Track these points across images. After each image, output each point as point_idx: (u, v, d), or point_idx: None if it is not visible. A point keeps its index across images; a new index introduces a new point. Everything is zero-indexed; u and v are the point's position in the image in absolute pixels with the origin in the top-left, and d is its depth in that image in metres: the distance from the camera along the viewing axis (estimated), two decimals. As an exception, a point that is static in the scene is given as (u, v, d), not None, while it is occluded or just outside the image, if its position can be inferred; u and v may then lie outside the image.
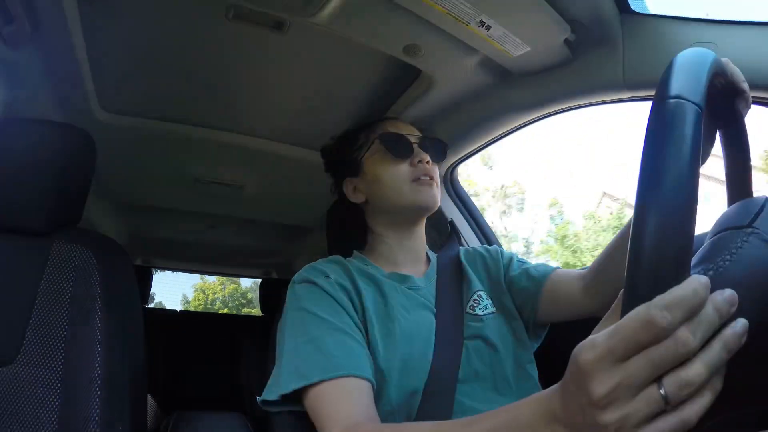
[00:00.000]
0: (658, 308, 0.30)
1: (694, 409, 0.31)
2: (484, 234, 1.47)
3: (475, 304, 0.82)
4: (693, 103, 0.35)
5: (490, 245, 1.45)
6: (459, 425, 0.50)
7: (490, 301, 0.85)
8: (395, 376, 0.70)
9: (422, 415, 0.69)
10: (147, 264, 2.89)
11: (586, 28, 0.86)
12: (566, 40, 0.89)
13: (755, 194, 0.56)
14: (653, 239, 0.32)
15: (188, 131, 1.28)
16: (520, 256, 0.94)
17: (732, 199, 0.56)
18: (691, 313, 0.31)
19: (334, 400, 0.63)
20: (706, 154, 0.57)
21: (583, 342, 0.34)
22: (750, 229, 0.40)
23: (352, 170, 0.90)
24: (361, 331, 0.73)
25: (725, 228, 0.43)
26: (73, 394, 0.80)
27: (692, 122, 0.34)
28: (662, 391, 0.30)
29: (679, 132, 0.34)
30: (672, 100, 0.35)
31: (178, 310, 3.42)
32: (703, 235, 0.53)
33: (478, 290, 0.85)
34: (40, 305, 0.84)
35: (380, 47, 0.93)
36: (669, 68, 0.38)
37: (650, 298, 0.31)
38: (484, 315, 0.81)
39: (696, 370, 0.30)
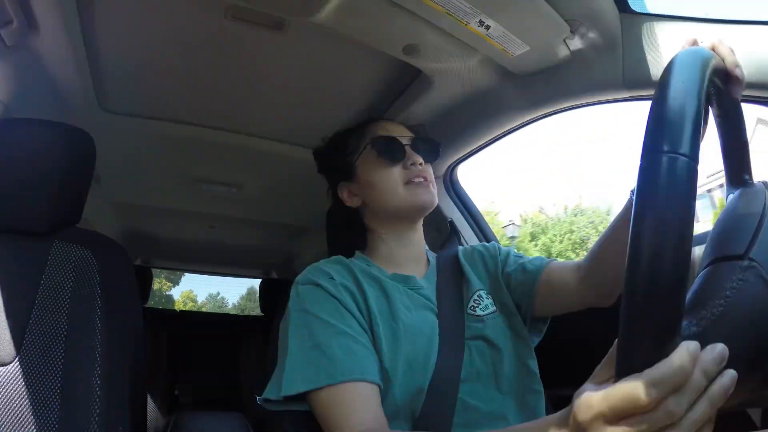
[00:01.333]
0: (644, 386, 0.32)
1: None
2: (484, 234, 1.47)
3: (475, 305, 0.82)
4: (687, 157, 0.32)
5: (485, 237, 1.46)
6: None
7: (491, 300, 0.85)
8: (400, 375, 0.70)
9: (426, 413, 0.69)
10: (147, 264, 2.89)
11: (586, 27, 0.86)
12: (566, 40, 0.89)
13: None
14: (644, 310, 0.32)
15: (188, 131, 1.28)
16: (516, 252, 0.94)
17: (731, 177, 0.55)
18: (678, 386, 0.33)
19: (342, 406, 0.63)
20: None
21: (582, 396, 0.37)
22: (746, 262, 0.39)
23: (345, 175, 0.90)
24: (366, 332, 0.72)
25: (721, 256, 0.41)
26: (73, 394, 0.80)
27: (686, 182, 0.32)
28: None
29: (671, 198, 0.32)
30: (664, 156, 0.32)
31: (177, 310, 3.43)
32: (704, 234, 0.53)
33: (479, 290, 0.85)
34: (39, 305, 0.84)
35: (380, 47, 0.93)
36: (658, 102, 0.35)
37: (641, 368, 0.32)
38: (485, 315, 0.81)
39: (683, 428, 0.33)
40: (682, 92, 0.35)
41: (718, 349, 0.34)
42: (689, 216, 0.32)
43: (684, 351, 0.33)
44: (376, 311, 0.74)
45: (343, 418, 0.63)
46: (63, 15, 0.84)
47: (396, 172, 0.84)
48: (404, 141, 0.87)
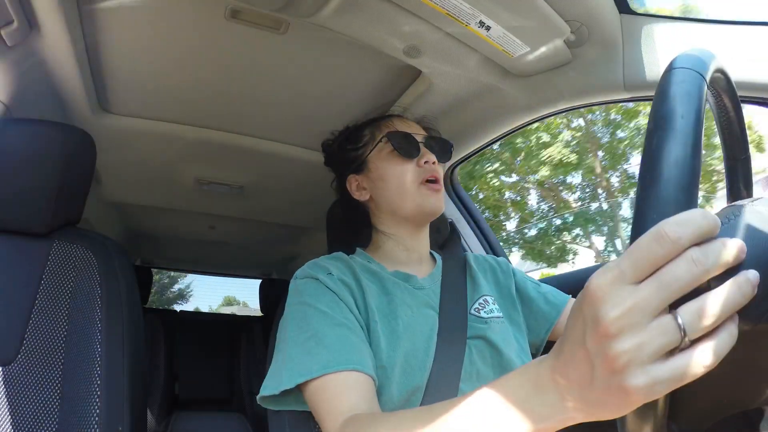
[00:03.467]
0: (669, 224, 0.30)
1: (711, 349, 0.29)
2: (485, 235, 1.47)
3: (480, 307, 0.82)
4: (698, 72, 0.37)
5: (490, 246, 1.46)
6: (450, 405, 0.47)
7: (497, 307, 0.85)
8: (397, 372, 0.70)
9: None
10: (147, 264, 2.90)
11: (586, 28, 0.86)
12: (566, 41, 0.89)
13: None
14: (663, 168, 0.33)
15: (188, 131, 1.28)
16: (529, 276, 0.95)
17: (732, 195, 0.56)
18: (701, 236, 0.30)
19: (336, 394, 0.63)
20: None
21: (596, 271, 0.33)
22: (752, 201, 0.41)
23: (356, 167, 0.90)
24: (362, 327, 0.72)
25: (727, 206, 0.44)
26: (73, 394, 0.80)
27: (698, 87, 0.36)
28: (679, 320, 0.29)
29: (687, 87, 0.36)
30: (679, 69, 0.38)
31: (177, 310, 3.43)
32: None
33: (485, 295, 0.85)
34: (40, 305, 0.84)
35: (380, 48, 0.93)
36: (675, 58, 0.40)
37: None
38: (488, 318, 0.81)
39: (712, 300, 0.29)
40: (693, 52, 0.40)
41: (737, 239, 0.31)
42: (701, 91, 0.36)
43: (704, 210, 0.31)
44: (374, 308, 0.74)
45: (334, 404, 0.62)
46: (64, 15, 0.84)
47: (409, 169, 0.84)
48: (419, 138, 0.87)
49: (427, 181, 0.84)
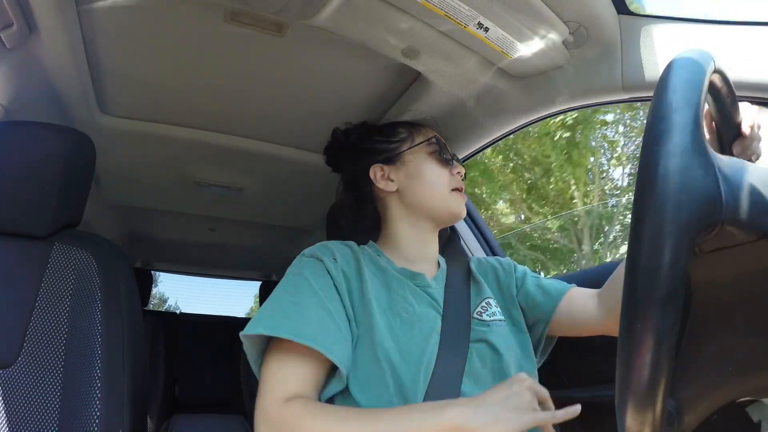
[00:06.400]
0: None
1: (546, 412, 0.63)
2: (485, 238, 1.47)
3: (482, 310, 0.83)
4: (699, 62, 0.40)
5: (491, 249, 1.46)
6: (394, 413, 0.62)
7: (499, 309, 0.85)
8: (392, 365, 0.70)
9: None
10: (147, 266, 2.89)
11: (585, 29, 0.86)
12: (564, 42, 0.89)
13: None
14: (668, 130, 0.36)
15: (188, 134, 1.28)
16: (532, 272, 0.95)
17: None
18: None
19: (292, 367, 0.66)
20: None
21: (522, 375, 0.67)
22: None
23: (385, 158, 0.93)
24: (349, 320, 0.74)
25: None
26: (74, 397, 0.80)
27: (699, 72, 0.39)
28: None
29: (688, 73, 0.39)
30: (682, 59, 0.40)
31: (177, 312, 3.42)
32: None
33: (488, 297, 0.85)
34: (40, 308, 0.84)
35: (379, 49, 0.93)
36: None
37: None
38: (490, 321, 0.81)
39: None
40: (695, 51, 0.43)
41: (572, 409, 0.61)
42: (702, 75, 0.39)
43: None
44: (373, 300, 0.75)
45: (285, 376, 0.66)
46: (63, 18, 0.84)
47: (445, 175, 0.90)
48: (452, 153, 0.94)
49: (456, 189, 0.90)
